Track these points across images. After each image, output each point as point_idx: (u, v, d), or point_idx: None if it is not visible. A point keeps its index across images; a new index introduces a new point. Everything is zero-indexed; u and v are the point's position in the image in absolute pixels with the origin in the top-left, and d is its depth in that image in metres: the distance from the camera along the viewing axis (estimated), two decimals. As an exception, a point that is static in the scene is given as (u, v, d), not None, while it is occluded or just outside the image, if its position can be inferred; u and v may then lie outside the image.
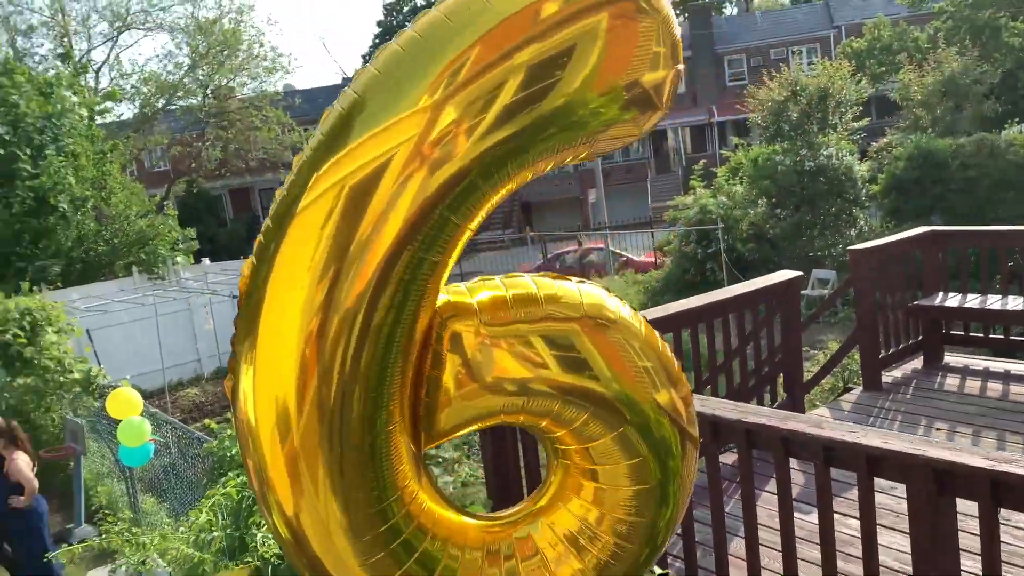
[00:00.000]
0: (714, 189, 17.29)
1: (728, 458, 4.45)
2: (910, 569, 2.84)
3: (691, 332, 4.95)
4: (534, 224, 30.64)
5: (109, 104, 24.42)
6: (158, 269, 17.48)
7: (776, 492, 3.15)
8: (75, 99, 18.76)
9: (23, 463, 6.65)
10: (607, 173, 33.56)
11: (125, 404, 6.67)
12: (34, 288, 11.14)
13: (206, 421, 12.06)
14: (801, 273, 5.70)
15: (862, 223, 15.83)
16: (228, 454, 5.54)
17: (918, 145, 15.56)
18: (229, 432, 5.66)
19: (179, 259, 18.00)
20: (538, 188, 36.99)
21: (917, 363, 6.29)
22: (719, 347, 5.24)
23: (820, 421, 3.09)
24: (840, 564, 3.09)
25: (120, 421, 6.75)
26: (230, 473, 5.22)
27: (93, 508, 8.50)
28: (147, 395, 13.33)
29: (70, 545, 7.60)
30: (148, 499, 8.12)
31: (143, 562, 6.52)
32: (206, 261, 18.76)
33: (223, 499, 3.94)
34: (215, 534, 3.86)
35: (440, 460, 4.92)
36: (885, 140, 18.14)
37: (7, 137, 15.90)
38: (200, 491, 6.92)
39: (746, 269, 14.11)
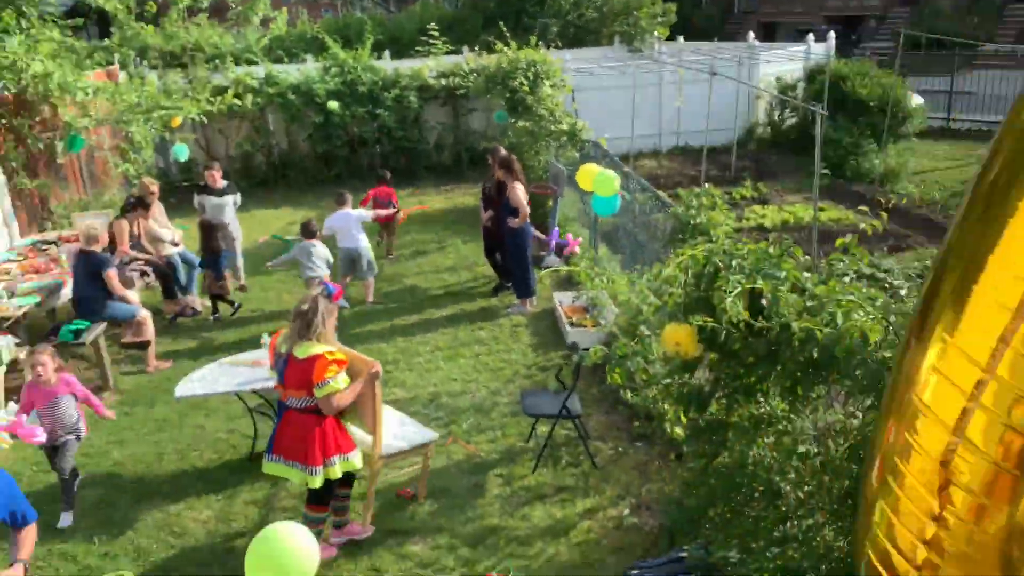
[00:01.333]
0: None
1: None
2: None
3: None
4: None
5: None
6: (637, 41, 18.19)
7: None
8: None
9: (520, 191, 7.92)
10: None
11: (589, 176, 7.41)
12: (538, 44, 12.47)
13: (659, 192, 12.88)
14: None
15: None
16: (692, 220, 5.88)
17: None
18: (695, 198, 6.00)
19: (656, 33, 18.41)
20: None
21: None
22: None
23: None
24: None
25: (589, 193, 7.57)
26: (693, 239, 5.62)
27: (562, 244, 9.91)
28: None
29: (540, 267, 9.11)
30: (603, 248, 9.18)
31: (597, 295, 7.51)
32: (680, 39, 18.94)
33: (690, 260, 4.23)
34: (674, 290, 4.27)
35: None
36: None
37: None
38: (649, 252, 7.61)
39: None
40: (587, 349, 5.17)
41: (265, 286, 9.41)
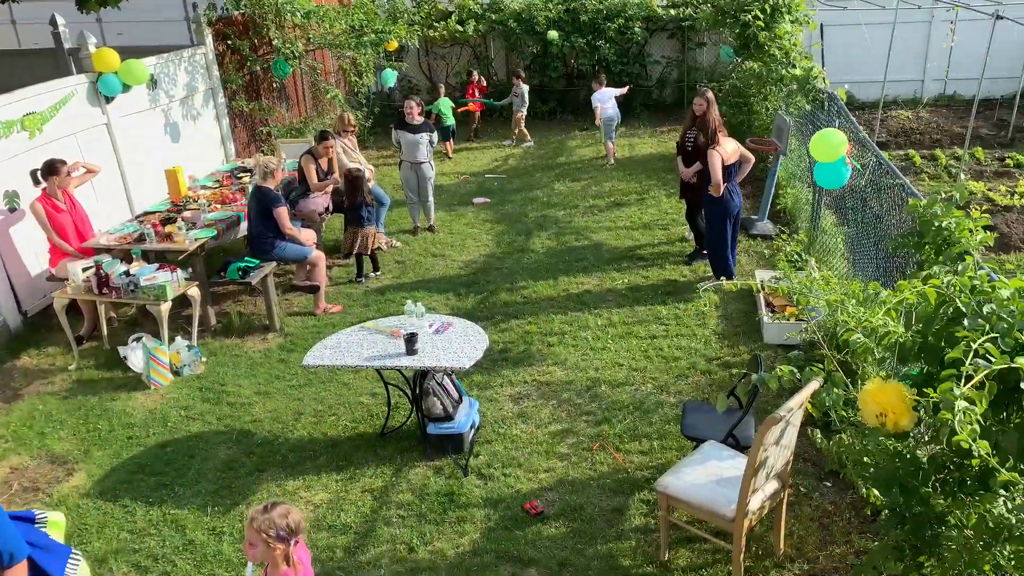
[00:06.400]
0: None
1: None
2: None
3: None
4: None
5: None
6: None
7: None
8: None
9: (717, 160, 6.72)
10: None
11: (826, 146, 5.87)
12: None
13: (912, 152, 10.82)
14: None
15: None
16: (937, 223, 4.46)
17: None
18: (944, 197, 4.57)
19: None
20: None
21: None
22: None
23: None
24: None
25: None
26: (932, 247, 4.29)
27: (777, 208, 8.57)
28: (857, 106, 12.48)
29: (749, 234, 7.93)
30: (828, 216, 7.70)
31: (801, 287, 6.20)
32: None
33: (916, 299, 3.09)
34: (891, 326, 3.14)
35: None
36: None
37: None
38: (888, 227, 6.11)
39: None
40: (768, 372, 4.11)
41: (453, 229, 9.06)
